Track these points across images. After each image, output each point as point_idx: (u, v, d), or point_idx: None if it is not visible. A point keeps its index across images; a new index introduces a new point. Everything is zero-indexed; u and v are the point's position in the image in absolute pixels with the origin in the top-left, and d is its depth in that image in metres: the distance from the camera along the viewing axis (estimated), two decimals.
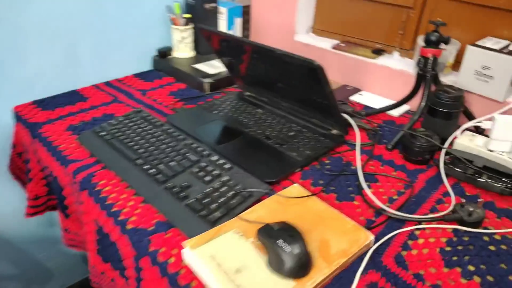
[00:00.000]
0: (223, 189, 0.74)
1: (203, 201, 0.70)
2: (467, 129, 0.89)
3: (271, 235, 0.60)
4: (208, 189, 0.73)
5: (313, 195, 0.73)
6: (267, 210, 0.69)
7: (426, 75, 0.90)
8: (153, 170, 0.78)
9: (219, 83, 1.18)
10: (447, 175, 0.81)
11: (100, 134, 0.90)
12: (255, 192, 0.73)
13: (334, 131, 0.94)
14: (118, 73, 1.26)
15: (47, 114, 1.04)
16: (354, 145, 0.91)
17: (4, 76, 1.05)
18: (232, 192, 0.73)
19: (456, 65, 1.01)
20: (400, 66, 1.08)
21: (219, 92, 1.17)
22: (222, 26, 1.32)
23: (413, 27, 1.10)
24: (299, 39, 1.29)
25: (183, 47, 1.30)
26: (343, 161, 0.87)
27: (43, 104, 1.09)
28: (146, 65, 1.33)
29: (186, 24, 1.27)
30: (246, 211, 0.69)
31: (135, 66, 1.30)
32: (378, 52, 1.16)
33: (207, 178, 0.76)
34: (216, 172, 0.78)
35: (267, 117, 1.01)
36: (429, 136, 0.85)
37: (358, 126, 0.97)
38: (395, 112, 1.05)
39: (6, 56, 1.04)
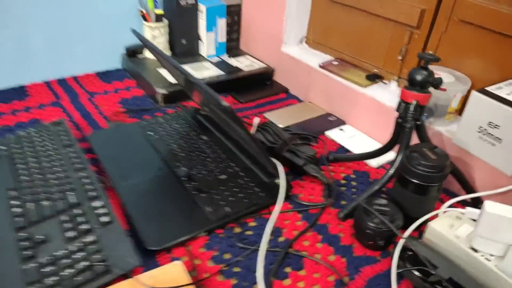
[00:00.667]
0: (78, 255, 0.56)
1: (43, 270, 0.54)
2: (454, 205, 0.63)
3: None
4: (61, 252, 0.56)
5: (192, 284, 0.53)
6: None
7: (405, 125, 0.65)
8: (17, 209, 0.63)
9: (176, 95, 1.00)
10: (400, 276, 0.57)
11: (0, 148, 0.76)
12: (113, 268, 0.55)
13: (278, 181, 0.73)
14: (78, 70, 1.12)
15: None
16: (300, 203, 0.70)
17: None
18: (86, 263, 0.55)
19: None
20: (394, 101, 0.83)
21: (174, 106, 0.99)
22: (202, 27, 1.13)
23: (417, 52, 0.83)
24: (286, 51, 1.06)
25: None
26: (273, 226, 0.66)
27: None
28: (115, 63, 1.18)
29: (158, 20, 1.10)
30: None
31: (100, 64, 1.15)
32: (373, 78, 0.91)
33: (70, 234, 0.59)
34: (85, 227, 0.61)
35: (207, 148, 0.81)
36: (387, 214, 0.61)
37: (313, 176, 0.74)
38: (373, 162, 0.81)
39: None
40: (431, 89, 0.64)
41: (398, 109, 0.66)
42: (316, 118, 0.96)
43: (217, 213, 0.66)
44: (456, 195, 0.73)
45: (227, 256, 0.61)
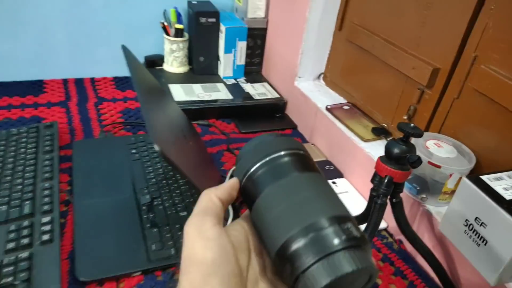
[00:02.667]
0: (8, 269, 0.56)
1: None
2: None
3: None
4: None
5: None
6: None
7: (377, 201, 0.58)
8: None
9: None
10: None
11: None
12: None
13: None
14: (97, 72, 1.15)
15: None
16: None
17: None
18: (9, 280, 0.54)
19: None
20: None
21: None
22: (221, 47, 1.11)
23: (426, 115, 0.74)
24: (299, 86, 1.01)
25: (171, 61, 1.13)
26: None
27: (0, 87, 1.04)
28: None
29: (177, 35, 1.09)
30: None
31: (118, 69, 1.17)
32: (379, 132, 0.83)
33: (10, 246, 0.59)
34: (26, 241, 0.60)
35: (182, 180, 0.78)
36: None
37: None
38: None
39: None
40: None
41: (372, 180, 0.59)
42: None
43: (160, 253, 0.63)
44: (434, 285, 0.64)
45: None
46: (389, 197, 0.58)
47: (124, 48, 0.75)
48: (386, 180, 0.56)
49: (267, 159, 0.32)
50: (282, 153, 0.32)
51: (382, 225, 0.75)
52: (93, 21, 1.08)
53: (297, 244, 0.27)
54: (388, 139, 0.81)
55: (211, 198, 0.32)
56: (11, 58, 1.06)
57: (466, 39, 0.66)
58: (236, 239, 0.32)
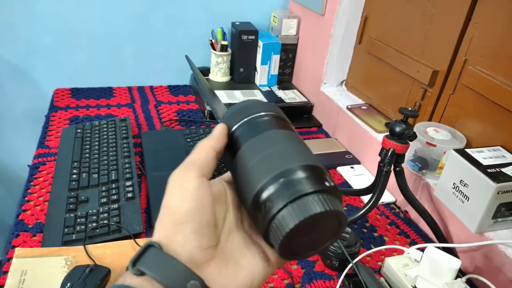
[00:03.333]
0: (103, 215, 0.76)
1: (78, 220, 0.74)
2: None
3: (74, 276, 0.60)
4: (93, 211, 0.76)
5: None
6: (115, 251, 0.69)
7: (382, 168, 0.74)
8: (74, 176, 0.85)
9: None
10: None
11: (77, 131, 1.01)
12: (123, 229, 0.73)
13: None
14: (154, 81, 1.38)
15: (73, 101, 1.21)
16: None
17: (54, 63, 1.27)
18: (105, 222, 0.74)
19: None
20: None
21: (216, 122, 1.17)
22: (258, 59, 1.31)
23: (428, 109, 0.91)
24: (324, 90, 1.19)
25: (216, 71, 1.34)
26: None
27: (77, 92, 1.27)
28: (185, 80, 1.42)
29: (222, 50, 1.31)
30: (96, 245, 0.70)
31: (173, 78, 1.40)
32: None
33: (103, 200, 0.79)
34: (115, 197, 0.80)
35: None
36: (346, 240, 0.70)
37: None
38: (367, 199, 0.89)
39: (59, 46, 1.25)
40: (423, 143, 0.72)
41: (380, 154, 0.75)
42: (335, 153, 1.07)
43: None
44: (431, 242, 0.79)
45: None
46: (393, 166, 0.75)
47: (187, 57, 0.96)
48: (390, 152, 0.72)
49: (247, 118, 0.33)
50: (262, 113, 0.34)
51: (391, 198, 0.91)
52: (154, 39, 1.31)
53: (269, 191, 0.28)
54: None
55: (204, 149, 0.32)
56: (86, 68, 1.30)
57: (458, 46, 0.83)
58: (216, 192, 0.33)
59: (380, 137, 0.97)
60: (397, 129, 0.72)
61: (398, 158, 0.74)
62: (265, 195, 0.28)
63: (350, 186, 0.94)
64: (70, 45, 1.25)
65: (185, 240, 0.29)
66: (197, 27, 1.33)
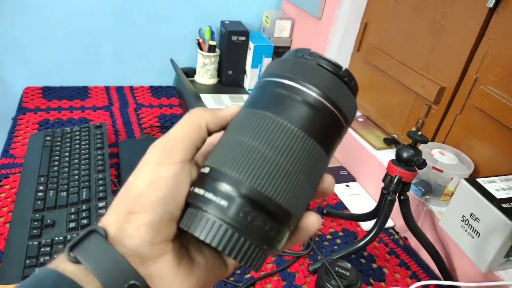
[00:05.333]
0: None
1: (42, 249, 0.65)
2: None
3: None
4: (60, 239, 0.67)
5: None
6: None
7: (387, 197, 0.67)
8: (40, 194, 0.75)
9: None
10: None
11: (46, 139, 0.91)
12: None
13: None
14: (135, 81, 1.28)
15: (43, 102, 1.10)
16: None
17: (24, 59, 1.15)
18: None
19: None
20: None
21: None
22: (248, 62, 1.23)
23: (432, 127, 0.84)
24: None
25: (203, 73, 1.25)
26: None
27: (49, 91, 1.16)
28: (167, 81, 1.32)
29: (210, 50, 1.21)
30: None
31: (155, 79, 1.30)
32: (390, 142, 0.93)
33: (72, 225, 0.70)
34: (85, 221, 0.71)
35: None
36: (346, 278, 0.63)
37: None
38: (364, 225, 0.83)
39: (30, 40, 1.13)
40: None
41: (384, 180, 0.69)
42: (329, 169, 0.99)
43: None
44: (435, 278, 0.73)
45: None
46: (397, 194, 0.68)
47: (172, 61, 0.87)
48: (396, 179, 0.65)
49: (286, 81, 0.25)
50: (309, 92, 0.25)
51: (390, 223, 0.85)
52: (137, 36, 1.21)
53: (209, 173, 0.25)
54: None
55: (197, 125, 0.27)
56: (60, 65, 1.19)
57: (469, 63, 0.76)
58: (194, 176, 0.27)
59: (378, 154, 0.90)
60: (405, 154, 0.65)
61: (404, 186, 0.67)
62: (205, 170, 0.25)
63: (345, 207, 0.88)
64: (43, 39, 1.14)
65: (136, 233, 0.25)
66: (183, 24, 1.23)
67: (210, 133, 0.28)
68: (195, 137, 0.27)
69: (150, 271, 0.25)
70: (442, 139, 0.83)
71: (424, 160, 0.63)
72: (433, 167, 0.73)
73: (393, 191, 0.66)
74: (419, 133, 0.64)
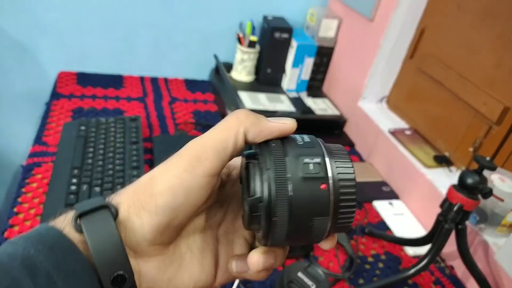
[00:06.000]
0: None
1: None
2: None
3: None
4: None
5: None
6: None
7: (444, 225, 0.62)
8: (73, 187, 0.73)
9: None
10: None
11: (80, 128, 0.88)
12: None
13: None
14: (170, 73, 1.24)
15: (78, 88, 1.08)
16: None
17: (61, 42, 1.12)
18: None
19: None
20: None
21: None
22: (289, 61, 1.17)
23: (491, 148, 0.77)
24: (362, 106, 1.05)
25: (240, 69, 1.20)
26: None
27: (84, 78, 1.14)
28: (203, 74, 1.28)
29: (250, 46, 1.16)
30: None
31: (190, 72, 1.26)
32: (441, 160, 0.86)
33: None
34: None
35: None
36: None
37: (339, 243, 0.74)
38: (410, 250, 0.77)
39: (67, 24, 1.10)
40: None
41: (441, 206, 0.63)
42: (370, 183, 0.94)
43: None
44: None
45: None
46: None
47: (216, 57, 0.83)
48: (456, 207, 0.60)
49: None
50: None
51: None
52: (176, 27, 1.17)
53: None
54: (459, 169, 0.85)
55: (235, 132, 0.25)
56: (96, 52, 1.16)
57: None
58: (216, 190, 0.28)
59: (428, 173, 0.84)
60: (470, 181, 0.59)
61: (464, 215, 0.61)
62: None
63: (387, 228, 0.82)
64: (80, 23, 1.11)
65: (140, 229, 0.25)
66: (224, 17, 1.19)
67: (247, 143, 0.26)
68: (230, 148, 0.25)
69: (140, 267, 0.26)
70: (501, 163, 0.76)
71: (491, 190, 0.58)
72: (493, 195, 0.67)
73: (452, 219, 0.60)
74: (487, 158, 0.58)
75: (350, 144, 1.09)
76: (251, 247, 0.30)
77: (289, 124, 0.26)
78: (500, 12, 0.76)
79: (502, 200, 0.67)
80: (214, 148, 0.25)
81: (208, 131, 0.26)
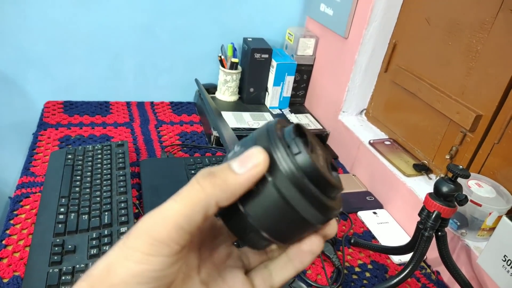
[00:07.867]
0: None
1: (63, 278, 0.63)
2: None
3: None
4: (81, 266, 0.65)
5: None
6: None
7: (423, 233, 0.64)
8: (61, 216, 0.74)
9: None
10: None
11: (67, 157, 0.90)
12: None
13: None
14: (155, 97, 1.27)
15: (65, 117, 1.10)
16: (303, 280, 0.71)
17: (47, 73, 1.15)
18: None
19: None
20: None
21: (223, 149, 1.06)
22: (270, 80, 1.21)
23: (467, 156, 0.80)
24: (342, 119, 1.09)
25: (224, 90, 1.23)
26: None
27: (70, 106, 1.16)
28: (188, 96, 1.30)
29: (232, 67, 1.20)
30: None
31: (176, 95, 1.28)
32: (420, 168, 0.89)
33: (93, 252, 0.68)
34: (107, 248, 0.69)
35: None
36: None
37: (325, 254, 0.75)
38: (395, 258, 0.79)
39: (53, 55, 1.12)
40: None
41: (419, 214, 0.65)
42: (354, 194, 0.96)
43: None
44: None
45: None
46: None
47: (197, 81, 0.85)
48: (434, 215, 0.62)
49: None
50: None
51: None
52: (159, 52, 1.20)
53: None
54: (438, 176, 0.88)
55: (204, 204, 0.22)
56: (82, 80, 1.18)
57: (508, 90, 0.73)
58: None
59: (408, 181, 0.86)
60: (445, 189, 0.61)
61: (442, 222, 0.64)
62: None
63: (373, 237, 0.84)
64: (66, 54, 1.13)
65: None
66: (206, 41, 1.22)
67: (220, 209, 0.23)
68: (198, 221, 0.22)
69: None
70: (478, 168, 0.79)
71: (466, 197, 0.60)
72: (471, 200, 0.69)
73: (431, 227, 0.63)
74: (460, 167, 0.61)
75: (334, 157, 1.11)
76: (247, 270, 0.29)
77: (261, 166, 0.22)
78: (466, 25, 0.80)
79: (480, 205, 0.69)
80: (178, 225, 0.22)
81: (168, 202, 0.23)
